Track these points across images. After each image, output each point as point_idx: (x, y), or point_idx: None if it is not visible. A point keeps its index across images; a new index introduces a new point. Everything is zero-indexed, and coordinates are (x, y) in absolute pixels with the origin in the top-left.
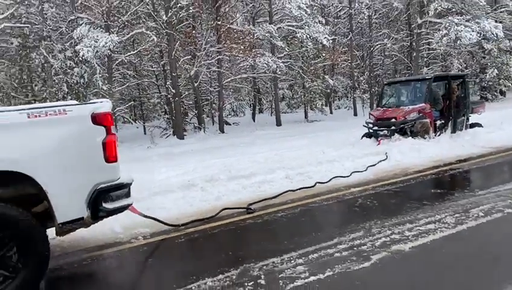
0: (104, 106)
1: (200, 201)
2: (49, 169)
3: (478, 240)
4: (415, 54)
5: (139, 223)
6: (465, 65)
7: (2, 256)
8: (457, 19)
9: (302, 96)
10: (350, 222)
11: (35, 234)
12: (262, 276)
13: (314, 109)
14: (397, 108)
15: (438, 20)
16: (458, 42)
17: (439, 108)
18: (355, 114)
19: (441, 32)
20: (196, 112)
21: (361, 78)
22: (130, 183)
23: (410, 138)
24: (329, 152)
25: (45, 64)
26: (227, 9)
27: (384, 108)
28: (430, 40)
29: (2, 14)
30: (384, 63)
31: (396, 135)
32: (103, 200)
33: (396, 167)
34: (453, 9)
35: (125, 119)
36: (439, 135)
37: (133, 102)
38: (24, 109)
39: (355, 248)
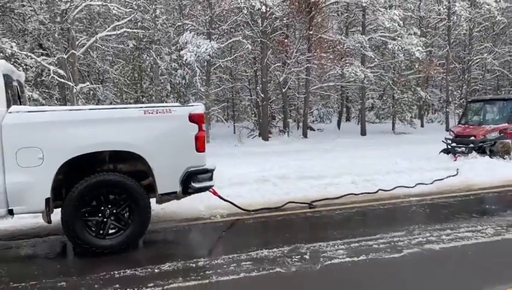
0: (198, 108)
1: (271, 194)
2: (156, 153)
3: (507, 248)
4: None
5: (219, 205)
6: None
7: (118, 213)
8: None
9: (391, 107)
10: (397, 224)
11: (142, 200)
12: (308, 253)
13: (403, 121)
14: (478, 126)
15: None
16: None
17: None
18: (447, 129)
19: None
20: (282, 116)
21: (456, 93)
22: (213, 170)
23: (487, 157)
24: (402, 164)
25: (153, 65)
26: (319, 20)
27: (466, 125)
28: None
29: (123, 19)
30: (485, 78)
31: (474, 153)
32: (192, 180)
33: (463, 183)
34: None
35: (219, 119)
36: None
37: (226, 103)
38: (142, 107)
39: (392, 243)
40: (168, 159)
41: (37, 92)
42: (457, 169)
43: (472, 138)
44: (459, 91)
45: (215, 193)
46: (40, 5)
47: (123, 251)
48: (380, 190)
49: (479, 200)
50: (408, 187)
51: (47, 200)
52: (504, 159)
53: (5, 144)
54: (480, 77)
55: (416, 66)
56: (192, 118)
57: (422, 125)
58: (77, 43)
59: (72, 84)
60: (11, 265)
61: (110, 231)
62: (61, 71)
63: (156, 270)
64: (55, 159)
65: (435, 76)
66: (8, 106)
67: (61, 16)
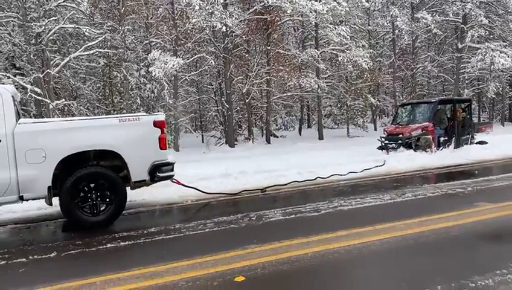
0: (160, 116)
1: (232, 185)
2: (129, 151)
3: (394, 206)
4: (455, 77)
5: (189, 193)
6: (501, 88)
7: (104, 194)
8: (494, 45)
9: (345, 113)
10: (324, 198)
11: (120, 186)
12: (255, 216)
13: (356, 126)
14: (406, 125)
15: (477, 46)
16: (492, 67)
17: (444, 127)
18: None
19: (477, 57)
20: (247, 124)
21: (402, 98)
22: (174, 163)
23: (412, 150)
24: (344, 159)
25: (124, 81)
26: (276, 36)
27: (396, 125)
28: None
29: (95, 40)
30: (430, 84)
31: (402, 148)
32: (157, 171)
33: (386, 171)
34: (494, 36)
35: (187, 129)
36: (441, 150)
37: (194, 114)
38: (117, 117)
39: (315, 208)
40: (139, 155)
41: None
42: (385, 160)
43: (400, 135)
44: (408, 96)
45: (178, 183)
46: (13, 27)
47: (111, 224)
48: (318, 177)
49: (392, 180)
50: (341, 175)
51: (49, 187)
52: (426, 151)
53: (17, 146)
54: (425, 83)
55: (366, 76)
56: (156, 124)
57: (375, 129)
58: (51, 62)
59: (48, 101)
60: (35, 236)
61: (96, 211)
62: (37, 89)
63: (145, 232)
64: (55, 157)
65: (384, 84)
66: (17, 119)
67: (36, 38)
